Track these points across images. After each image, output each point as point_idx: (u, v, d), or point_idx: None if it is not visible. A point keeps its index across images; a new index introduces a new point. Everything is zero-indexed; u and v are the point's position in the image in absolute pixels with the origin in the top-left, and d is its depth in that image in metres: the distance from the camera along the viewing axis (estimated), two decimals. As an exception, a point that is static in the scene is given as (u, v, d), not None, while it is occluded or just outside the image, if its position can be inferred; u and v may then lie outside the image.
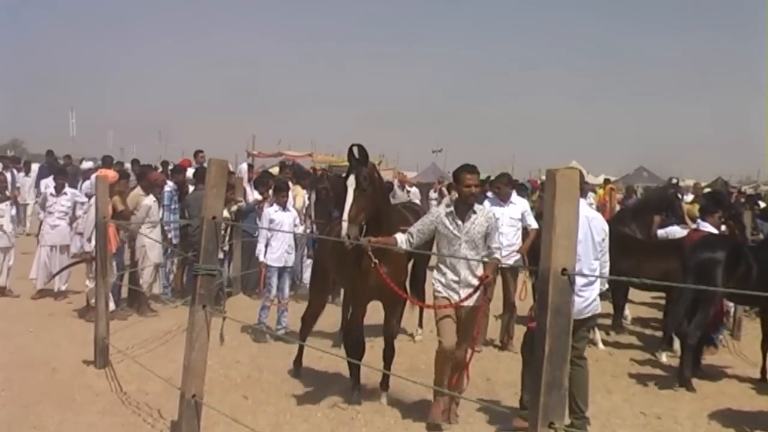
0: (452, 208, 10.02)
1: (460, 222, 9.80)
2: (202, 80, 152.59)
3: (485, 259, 9.75)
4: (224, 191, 8.75)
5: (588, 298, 9.45)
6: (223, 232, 15.28)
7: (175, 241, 17.30)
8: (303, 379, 11.72)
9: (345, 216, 9.83)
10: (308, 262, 19.67)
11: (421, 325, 15.46)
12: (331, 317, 14.37)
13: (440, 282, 9.92)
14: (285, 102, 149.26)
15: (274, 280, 15.06)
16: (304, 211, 18.83)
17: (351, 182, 10.00)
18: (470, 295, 9.49)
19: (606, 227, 9.84)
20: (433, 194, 34.10)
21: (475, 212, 9.92)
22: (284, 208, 15.68)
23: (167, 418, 9.30)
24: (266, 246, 15.09)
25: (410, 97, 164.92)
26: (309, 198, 16.71)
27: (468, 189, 9.97)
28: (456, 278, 9.77)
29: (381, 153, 44.30)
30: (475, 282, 9.54)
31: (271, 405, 10.43)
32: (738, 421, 10.38)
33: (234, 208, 17.46)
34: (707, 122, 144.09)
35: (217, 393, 10.08)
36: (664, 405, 11.17)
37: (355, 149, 10.27)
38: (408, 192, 33.48)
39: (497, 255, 10.01)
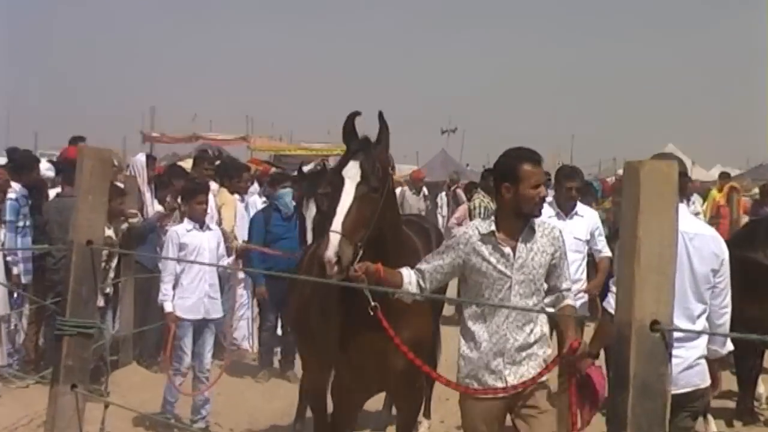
0: (493, 226, 8.90)
1: (509, 249, 8.78)
2: (62, 22, 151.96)
3: (548, 308, 9.02)
4: (107, 200, 8.71)
5: (686, 359, 8.80)
6: (105, 264, 15.12)
7: (24, 281, 16.84)
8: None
9: (336, 225, 8.74)
10: (245, 311, 19.79)
11: (428, 413, 15.33)
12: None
13: (469, 358, 8.91)
14: (201, 59, 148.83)
15: (188, 342, 14.70)
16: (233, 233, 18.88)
17: (352, 173, 9.02)
18: (540, 375, 8.64)
19: (722, 249, 9.27)
20: (442, 199, 34.26)
21: (533, 230, 8.94)
22: (202, 225, 15.21)
23: None
24: (175, 287, 14.68)
25: (399, 50, 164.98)
26: (302, 210, 16.46)
27: (533, 191, 8.80)
28: (499, 348, 8.72)
29: (362, 134, 44.60)
30: (540, 354, 8.82)
31: None
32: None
33: (124, 225, 17.29)
34: None
35: None
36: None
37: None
38: (425, 197, 33.88)
39: (571, 301, 9.29)
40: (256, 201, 21.20)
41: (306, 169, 18.73)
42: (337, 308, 9.80)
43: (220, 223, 18.74)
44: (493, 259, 8.78)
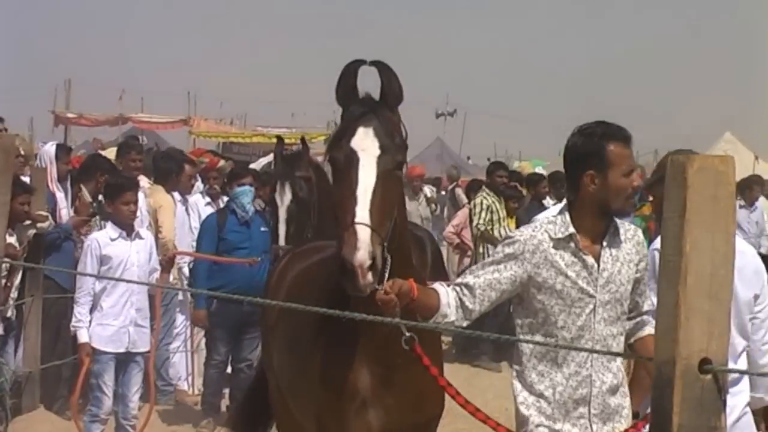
0: (571, 228, 8.03)
1: (592, 260, 8.03)
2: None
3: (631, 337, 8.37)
4: (8, 199, 8.73)
5: (732, 409, 8.45)
6: (5, 280, 15.07)
7: None
8: None
9: (362, 215, 7.50)
10: (182, 341, 19.77)
11: None
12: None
13: (537, 408, 8.08)
14: (130, 20, 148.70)
15: (109, 381, 14.50)
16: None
17: (367, 144, 7.82)
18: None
19: (763, 269, 9.23)
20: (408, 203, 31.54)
21: (618, 233, 8.20)
22: (130, 232, 14.93)
23: None
24: (93, 311, 14.42)
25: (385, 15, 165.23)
26: (276, 199, 15.45)
27: (626, 180, 8.01)
28: (582, 394, 7.95)
29: (331, 119, 44.40)
30: (626, 403, 8.18)
31: None
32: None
33: (31, 232, 17.25)
34: None
35: None
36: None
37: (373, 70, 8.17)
38: (428, 199, 32.29)
39: (651, 328, 7.52)
40: (198, 202, 21.01)
41: (263, 161, 18.46)
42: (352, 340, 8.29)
43: (158, 231, 18.77)
44: (572, 273, 7.92)
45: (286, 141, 27.08)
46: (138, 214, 16.78)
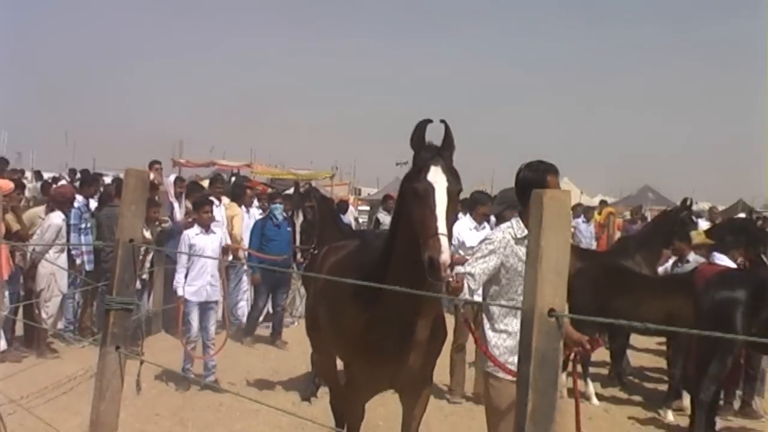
0: (526, 231, 7.91)
1: None
2: (118, 75, 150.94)
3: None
4: (144, 208, 8.72)
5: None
6: (142, 257, 15.07)
7: (87, 268, 17.04)
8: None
9: (443, 227, 7.17)
10: (245, 295, 19.80)
11: None
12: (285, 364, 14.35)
13: (505, 347, 8.08)
14: (218, 104, 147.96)
15: (195, 317, 14.88)
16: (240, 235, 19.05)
17: (439, 178, 7.47)
18: (568, 358, 8.36)
19: None
20: (385, 216, 30.46)
21: None
22: (207, 229, 15.31)
23: (70, 484, 9.23)
24: (186, 277, 14.89)
25: (370, 104, 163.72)
26: (294, 218, 15.94)
27: None
28: None
29: (334, 165, 44.26)
30: None
31: (197, 468, 10.39)
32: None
33: (158, 228, 17.28)
34: (724, 137, 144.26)
35: (131, 453, 10.02)
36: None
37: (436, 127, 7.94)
38: None
39: None
40: (256, 213, 20.89)
41: (289, 191, 18.77)
42: (366, 305, 8.17)
43: (231, 230, 19.18)
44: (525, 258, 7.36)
45: (307, 177, 26.79)
46: (218, 218, 17.46)
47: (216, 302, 15.49)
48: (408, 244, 7.50)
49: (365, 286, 7.61)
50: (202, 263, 14.89)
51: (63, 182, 23.69)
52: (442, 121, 7.64)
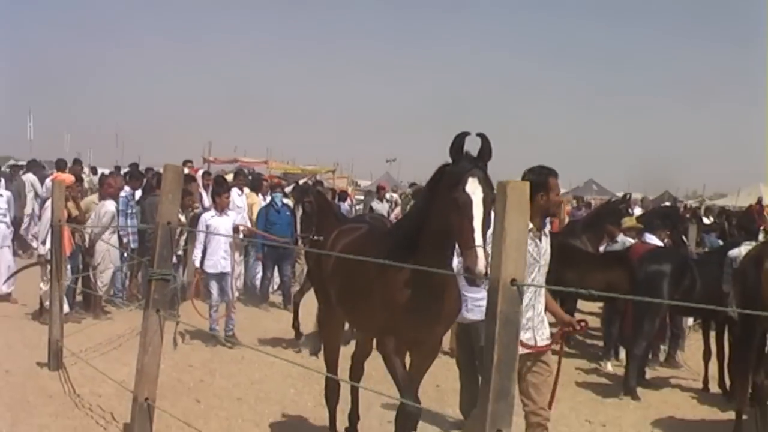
0: (531, 224, 7.50)
1: (538, 241, 7.92)
2: (159, 86, 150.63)
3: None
4: (179, 197, 8.72)
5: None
6: (177, 236, 15.00)
7: (133, 246, 17.17)
8: (255, 384, 11.69)
9: (479, 239, 6.80)
10: (260, 266, 19.81)
11: None
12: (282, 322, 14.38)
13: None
14: (241, 109, 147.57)
15: (213, 286, 14.84)
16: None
17: (477, 189, 7.00)
18: (554, 342, 7.97)
19: None
20: (378, 204, 29.71)
21: (545, 227, 8.16)
22: (222, 212, 15.36)
23: (120, 420, 9.25)
24: (204, 252, 14.87)
25: (366, 108, 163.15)
26: (295, 210, 16.51)
27: (558, 198, 8.23)
28: (531, 314, 7.72)
29: (335, 161, 44.11)
30: (547, 324, 7.94)
31: (222, 410, 10.40)
32: (680, 429, 10.47)
33: (190, 213, 17.25)
34: (655, 137, 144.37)
35: (169, 397, 10.01)
36: (609, 413, 11.23)
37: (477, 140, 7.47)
38: (387, 200, 31.98)
39: None
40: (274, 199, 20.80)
41: (300, 182, 18.64)
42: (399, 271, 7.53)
43: (251, 214, 19.68)
44: (530, 249, 7.45)
45: (313, 171, 26.74)
46: (240, 205, 18.45)
47: (229, 273, 15.40)
48: (438, 233, 7.27)
49: (399, 254, 7.38)
50: (216, 240, 14.79)
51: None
52: (480, 134, 7.28)
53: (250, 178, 25.69)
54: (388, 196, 33.47)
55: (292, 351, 13.74)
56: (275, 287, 20.44)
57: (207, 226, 14.79)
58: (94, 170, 33.19)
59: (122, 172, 23.88)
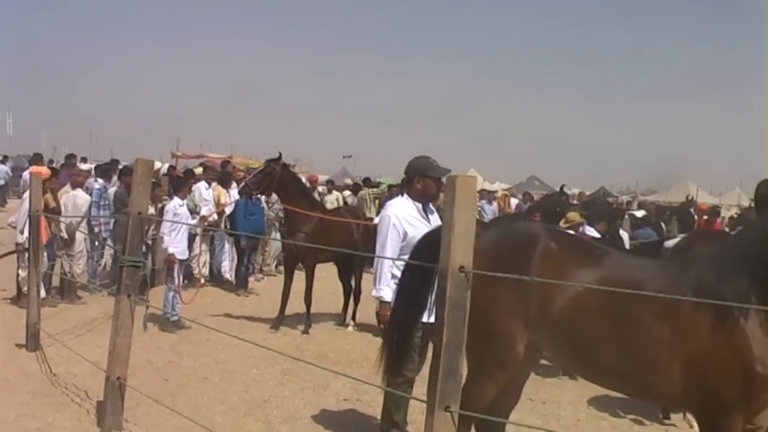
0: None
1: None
2: (130, 84, 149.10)
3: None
4: (149, 189, 8.72)
5: None
6: (147, 226, 14.89)
7: (104, 235, 17.08)
8: (220, 365, 11.68)
9: None
10: (226, 254, 19.76)
11: (354, 318, 15.57)
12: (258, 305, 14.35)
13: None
14: (206, 107, 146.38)
15: (179, 271, 14.55)
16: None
17: None
18: None
19: None
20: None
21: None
22: (183, 200, 15.19)
23: (93, 398, 9.22)
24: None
25: (323, 105, 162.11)
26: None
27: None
28: None
29: (295, 157, 43.98)
30: None
31: (189, 388, 10.39)
32: (614, 406, 10.54)
33: (159, 205, 17.16)
34: (593, 136, 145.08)
35: (139, 376, 9.94)
36: (548, 392, 11.29)
37: None
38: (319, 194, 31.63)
39: None
40: (233, 193, 20.37)
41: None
42: None
43: (218, 206, 19.26)
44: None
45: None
46: (207, 197, 18.61)
47: (190, 259, 15.61)
48: None
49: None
50: (184, 229, 14.64)
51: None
52: None
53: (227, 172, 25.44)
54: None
55: (255, 333, 13.68)
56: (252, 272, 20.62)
57: (175, 215, 14.44)
58: (84, 160, 33.10)
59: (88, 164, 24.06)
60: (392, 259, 7.96)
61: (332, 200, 26.11)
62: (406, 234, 8.01)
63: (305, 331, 14.49)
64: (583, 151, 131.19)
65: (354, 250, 14.62)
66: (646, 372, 5.98)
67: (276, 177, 14.70)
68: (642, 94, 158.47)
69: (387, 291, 8.00)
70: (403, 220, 8.07)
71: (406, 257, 7.62)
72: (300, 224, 14.75)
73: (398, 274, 7.77)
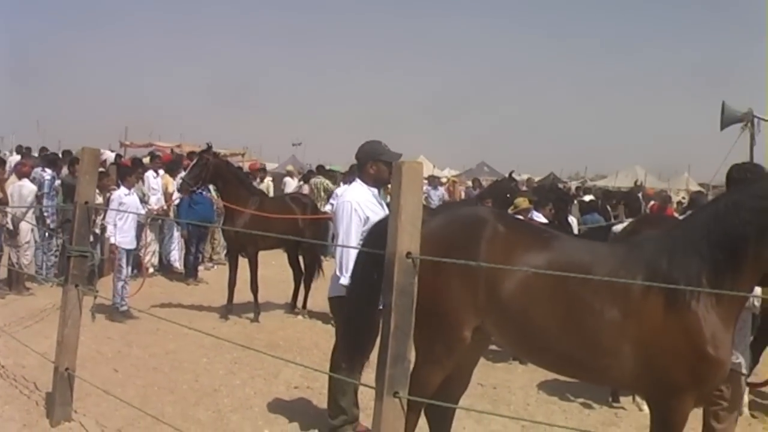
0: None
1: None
2: (79, 73, 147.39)
3: None
4: (96, 178, 8.66)
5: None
6: (95, 216, 14.77)
7: (52, 226, 16.89)
8: (169, 354, 11.64)
9: None
10: (175, 243, 19.68)
11: (305, 306, 15.52)
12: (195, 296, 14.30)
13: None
14: (155, 95, 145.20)
15: (124, 261, 14.35)
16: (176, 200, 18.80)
17: None
18: None
19: None
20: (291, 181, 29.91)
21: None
22: (130, 189, 14.88)
23: (42, 390, 9.15)
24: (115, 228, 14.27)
25: (273, 90, 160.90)
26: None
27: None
28: None
29: (245, 145, 43.83)
30: None
31: (139, 378, 10.34)
32: (563, 390, 10.61)
33: (107, 194, 17.03)
34: (541, 121, 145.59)
35: (89, 367, 9.89)
36: (499, 377, 11.35)
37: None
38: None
39: None
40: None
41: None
42: None
43: (166, 195, 19.37)
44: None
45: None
46: (155, 186, 18.13)
47: (137, 249, 15.37)
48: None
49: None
50: (132, 218, 14.44)
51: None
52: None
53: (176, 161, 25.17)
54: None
55: (205, 322, 13.63)
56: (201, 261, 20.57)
57: (120, 204, 14.24)
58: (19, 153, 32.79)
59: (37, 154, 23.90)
60: (354, 247, 7.83)
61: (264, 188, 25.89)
62: (367, 219, 7.95)
63: (255, 320, 14.49)
64: (533, 137, 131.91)
65: (298, 236, 14.63)
66: (597, 356, 5.96)
67: (210, 167, 14.66)
68: (594, 77, 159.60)
69: None
70: (363, 206, 8.04)
71: None
72: (238, 212, 14.73)
73: None
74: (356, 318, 6.58)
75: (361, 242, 7.47)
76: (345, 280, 7.82)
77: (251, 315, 14.66)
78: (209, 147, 15.15)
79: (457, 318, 6.23)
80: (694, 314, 5.61)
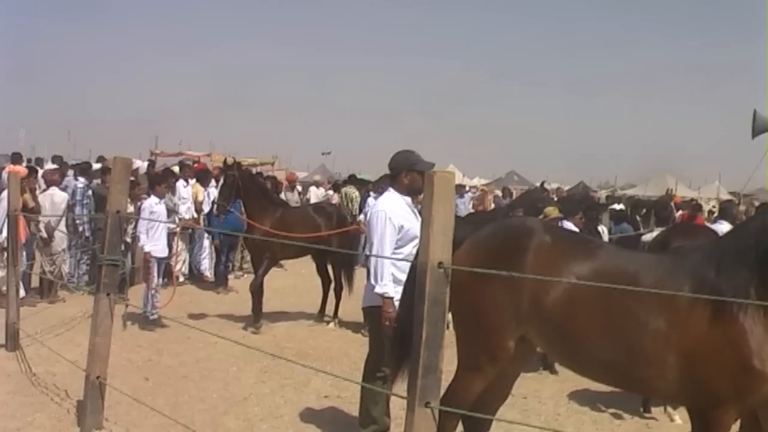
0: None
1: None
2: (110, 83, 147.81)
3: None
4: (128, 187, 8.70)
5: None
6: (126, 225, 14.77)
7: (87, 234, 17.04)
8: (200, 363, 11.65)
9: None
10: (206, 252, 19.72)
11: (336, 315, 15.43)
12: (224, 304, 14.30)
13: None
14: (186, 105, 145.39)
15: (156, 269, 14.30)
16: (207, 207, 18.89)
17: None
18: None
19: None
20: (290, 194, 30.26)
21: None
22: (161, 199, 14.96)
23: (73, 397, 9.20)
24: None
25: (301, 100, 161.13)
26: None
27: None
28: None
29: (274, 154, 43.85)
30: None
31: (169, 386, 10.36)
32: (594, 401, 10.54)
33: (138, 203, 17.08)
34: (574, 132, 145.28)
35: (119, 375, 9.90)
36: (529, 387, 11.27)
37: None
38: (298, 192, 31.27)
39: None
40: (212, 191, 20.24)
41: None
42: None
43: (195, 204, 19.61)
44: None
45: (250, 165, 26.58)
46: (185, 195, 18.17)
47: (169, 258, 15.31)
48: None
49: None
50: (162, 227, 14.46)
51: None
52: None
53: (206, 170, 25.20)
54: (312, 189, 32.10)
55: (235, 331, 13.65)
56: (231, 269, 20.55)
57: (151, 213, 14.29)
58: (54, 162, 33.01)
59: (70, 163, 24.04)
60: (392, 258, 7.87)
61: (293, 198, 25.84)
62: (401, 227, 7.98)
63: (252, 324, 14.47)
64: (562, 146, 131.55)
65: (324, 246, 14.61)
66: (641, 365, 5.89)
67: (238, 182, 14.69)
68: (625, 89, 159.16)
69: (391, 286, 7.85)
70: (397, 214, 8.03)
71: (402, 251, 7.96)
72: (260, 220, 14.75)
73: (396, 270, 7.87)
74: (408, 329, 6.51)
75: (403, 249, 7.81)
76: (380, 288, 7.83)
77: (281, 324, 14.68)
78: (234, 163, 15.16)
79: (501, 326, 6.23)
80: (741, 326, 5.51)
